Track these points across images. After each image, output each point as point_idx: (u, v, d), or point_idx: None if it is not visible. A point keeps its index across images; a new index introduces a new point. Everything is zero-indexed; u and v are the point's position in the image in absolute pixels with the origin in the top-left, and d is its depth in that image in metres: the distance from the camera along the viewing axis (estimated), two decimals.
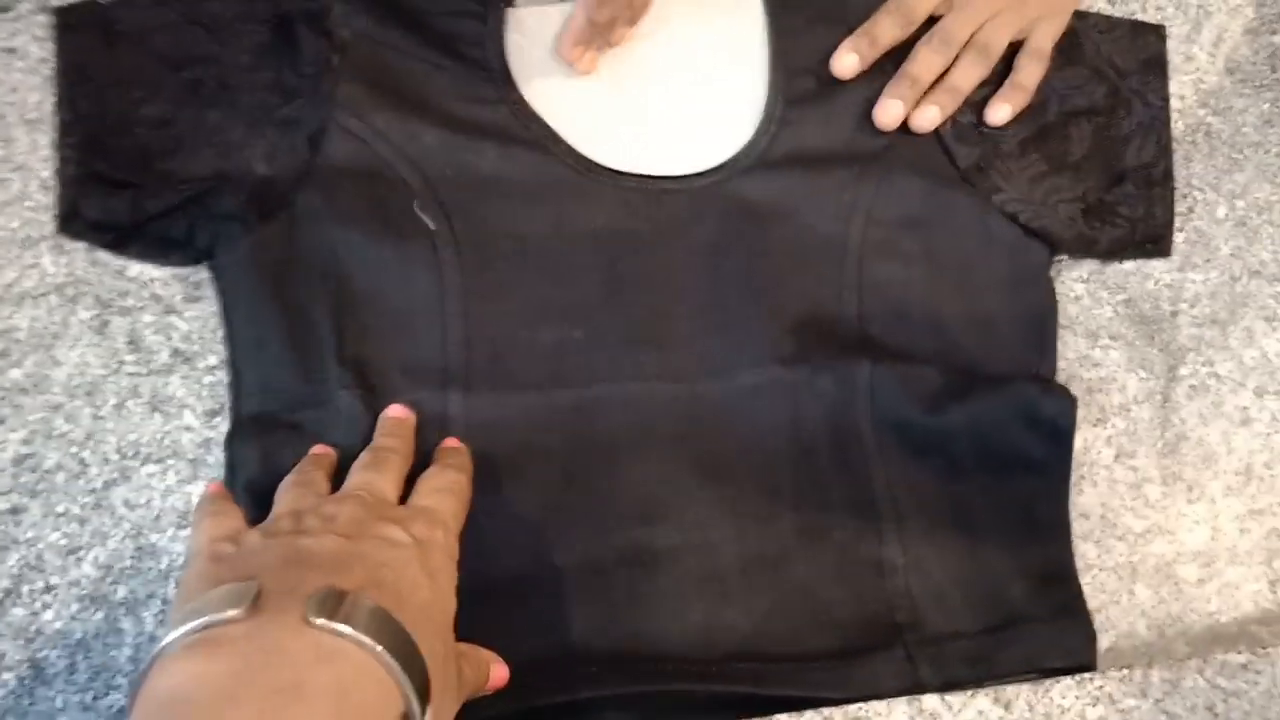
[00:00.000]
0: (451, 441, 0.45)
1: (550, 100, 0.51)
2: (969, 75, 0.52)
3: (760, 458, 0.46)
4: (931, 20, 0.53)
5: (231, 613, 0.30)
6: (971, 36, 0.52)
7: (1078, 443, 0.50)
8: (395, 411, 0.44)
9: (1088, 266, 0.53)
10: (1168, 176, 0.54)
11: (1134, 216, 0.52)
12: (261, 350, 0.46)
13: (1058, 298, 0.52)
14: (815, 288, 0.49)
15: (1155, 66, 0.56)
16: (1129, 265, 0.54)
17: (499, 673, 0.39)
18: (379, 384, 0.45)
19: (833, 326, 0.48)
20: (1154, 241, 0.53)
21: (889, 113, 0.51)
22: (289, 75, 0.48)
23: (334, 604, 0.31)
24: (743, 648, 0.43)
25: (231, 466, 0.44)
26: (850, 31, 0.52)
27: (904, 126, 0.52)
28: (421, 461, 0.44)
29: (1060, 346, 0.51)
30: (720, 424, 0.46)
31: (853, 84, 0.52)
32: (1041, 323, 0.50)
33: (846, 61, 0.51)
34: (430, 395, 0.45)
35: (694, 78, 0.53)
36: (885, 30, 0.51)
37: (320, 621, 0.31)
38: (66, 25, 0.49)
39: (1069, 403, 0.48)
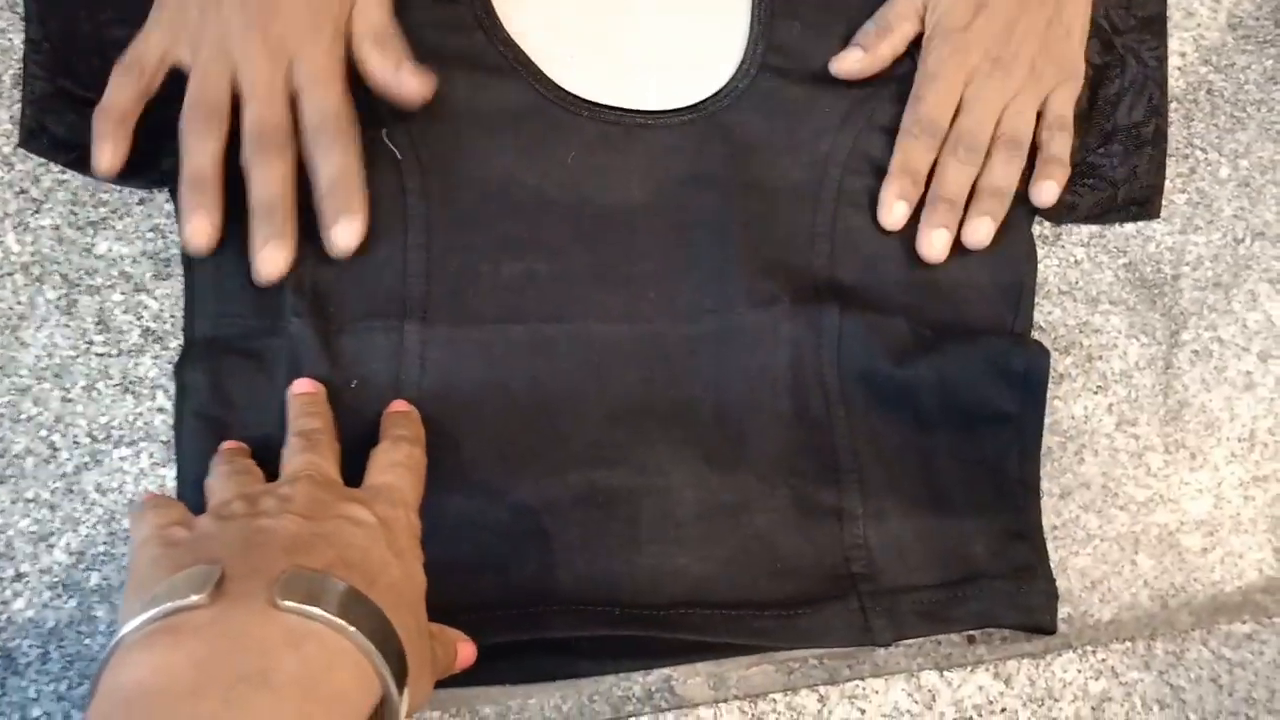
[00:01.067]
0: (399, 405, 0.43)
1: (529, 29, 0.49)
2: (1008, 174, 0.49)
3: (723, 402, 0.45)
4: None
5: (194, 598, 0.29)
6: (995, 130, 0.49)
7: (1078, 410, 0.49)
8: (303, 387, 0.42)
9: (1087, 230, 0.52)
10: (1159, 136, 0.52)
11: (1116, 178, 0.51)
12: (217, 273, 0.45)
13: (1057, 263, 0.51)
14: (788, 233, 0.48)
15: (1154, 25, 0.54)
16: (1129, 228, 0.52)
17: (466, 652, 0.38)
18: (335, 312, 0.44)
19: (803, 272, 0.47)
20: (1140, 204, 0.52)
21: (935, 245, 0.48)
22: None
23: (304, 585, 0.30)
24: (693, 593, 0.43)
25: (181, 392, 0.44)
26: None
27: (882, 79, 0.50)
28: (372, 400, 0.43)
29: (1060, 313, 0.50)
30: (684, 367, 0.46)
31: (837, 26, 0.51)
32: (1017, 280, 0.49)
33: (898, 211, 0.48)
34: (386, 325, 0.44)
35: (677, 13, 0.51)
36: (919, 157, 0.48)
37: (289, 604, 0.29)
38: None
39: (1042, 356, 0.47)
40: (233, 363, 0.44)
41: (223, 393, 0.43)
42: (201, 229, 0.42)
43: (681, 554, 0.43)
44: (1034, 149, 0.50)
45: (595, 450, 0.44)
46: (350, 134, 0.44)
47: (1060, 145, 0.49)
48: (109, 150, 0.43)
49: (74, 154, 0.46)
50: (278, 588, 0.30)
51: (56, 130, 0.46)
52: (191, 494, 0.42)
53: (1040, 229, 0.51)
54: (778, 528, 0.44)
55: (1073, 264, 0.51)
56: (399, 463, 0.39)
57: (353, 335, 0.44)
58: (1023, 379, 0.46)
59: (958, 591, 0.43)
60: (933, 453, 0.45)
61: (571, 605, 0.42)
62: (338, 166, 0.43)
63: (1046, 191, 0.49)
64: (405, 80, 0.45)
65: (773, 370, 0.46)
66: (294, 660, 0.28)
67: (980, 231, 0.48)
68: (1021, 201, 0.49)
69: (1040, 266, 0.50)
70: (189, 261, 0.45)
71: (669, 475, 0.44)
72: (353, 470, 0.41)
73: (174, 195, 0.46)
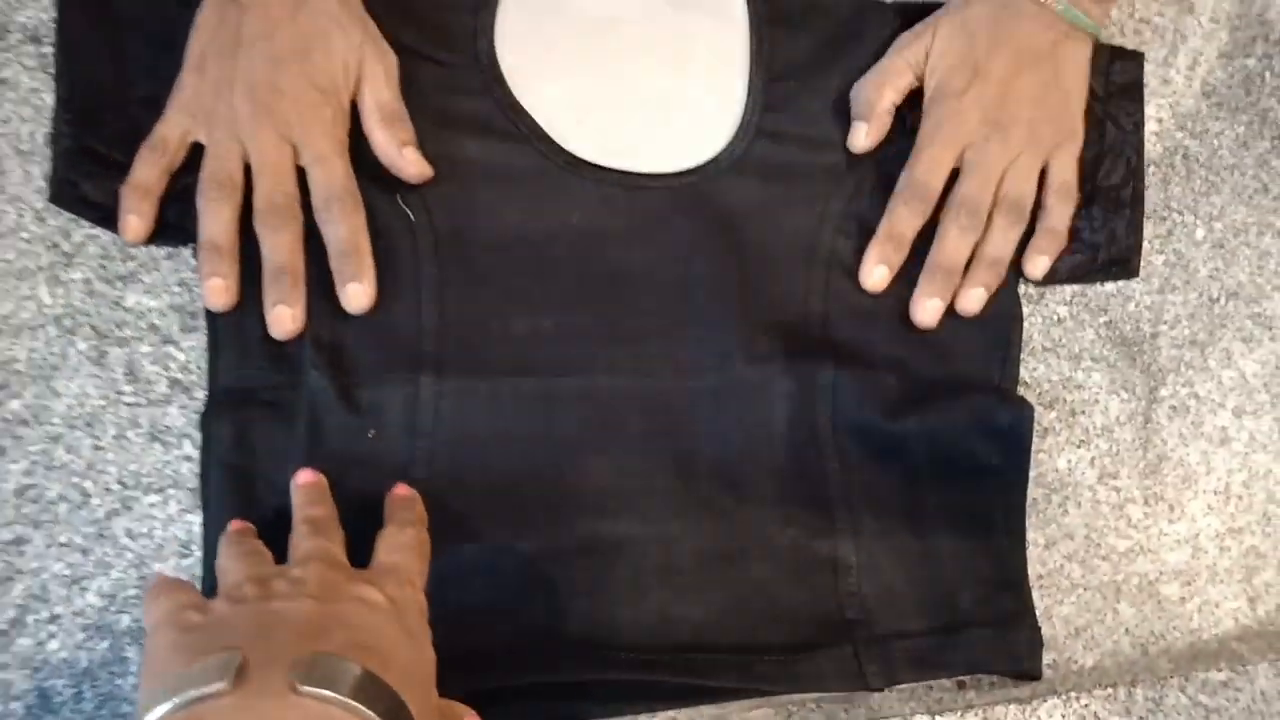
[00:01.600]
0: (402, 490, 0.44)
1: (536, 94, 0.52)
2: (1008, 241, 0.50)
3: (722, 455, 0.47)
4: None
5: (217, 686, 0.29)
6: (997, 193, 0.50)
7: (1062, 463, 0.51)
8: (306, 477, 0.43)
9: (1070, 290, 0.54)
10: (1137, 199, 0.55)
11: (1095, 241, 0.53)
12: (238, 329, 0.47)
13: (1041, 321, 0.53)
14: (783, 292, 0.50)
15: (1131, 91, 0.57)
16: (1110, 288, 0.55)
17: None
18: (353, 366, 0.46)
19: (798, 330, 0.50)
20: (1119, 264, 0.54)
21: (929, 313, 0.49)
22: None
23: (322, 670, 0.30)
24: (694, 639, 0.45)
25: (207, 442, 0.46)
26: (834, 39, 0.53)
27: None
28: (388, 450, 0.45)
29: (1044, 369, 0.53)
30: (685, 420, 0.48)
31: (831, 92, 0.53)
32: (1004, 337, 0.51)
33: (877, 275, 0.49)
34: (402, 378, 0.46)
35: (676, 78, 0.54)
36: (906, 222, 0.50)
37: (309, 689, 0.30)
38: (67, 2, 0.50)
39: (1026, 413, 0.49)
40: (255, 413, 0.46)
41: (247, 442, 0.45)
42: (218, 289, 0.46)
43: (683, 601, 0.45)
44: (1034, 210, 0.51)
45: (600, 500, 0.46)
46: (355, 206, 0.47)
47: (1059, 216, 0.51)
48: (135, 222, 0.47)
49: (101, 212, 0.48)
50: (297, 673, 0.30)
51: (85, 188, 0.48)
52: (214, 545, 0.43)
53: (1025, 288, 0.54)
54: (775, 576, 0.46)
55: (1056, 322, 0.54)
56: (405, 545, 0.40)
57: (370, 388, 0.46)
58: (1008, 434, 0.48)
59: (948, 639, 0.46)
60: (923, 504, 0.48)
61: (579, 649, 0.44)
62: (345, 237, 0.46)
63: (1039, 266, 0.51)
64: (407, 164, 0.48)
65: (770, 424, 0.48)
66: None
67: (974, 302, 0.50)
68: (1012, 264, 0.51)
69: (1025, 324, 0.53)
70: (211, 318, 0.48)
71: (670, 525, 0.46)
72: (372, 522, 0.43)
73: (197, 254, 0.48)
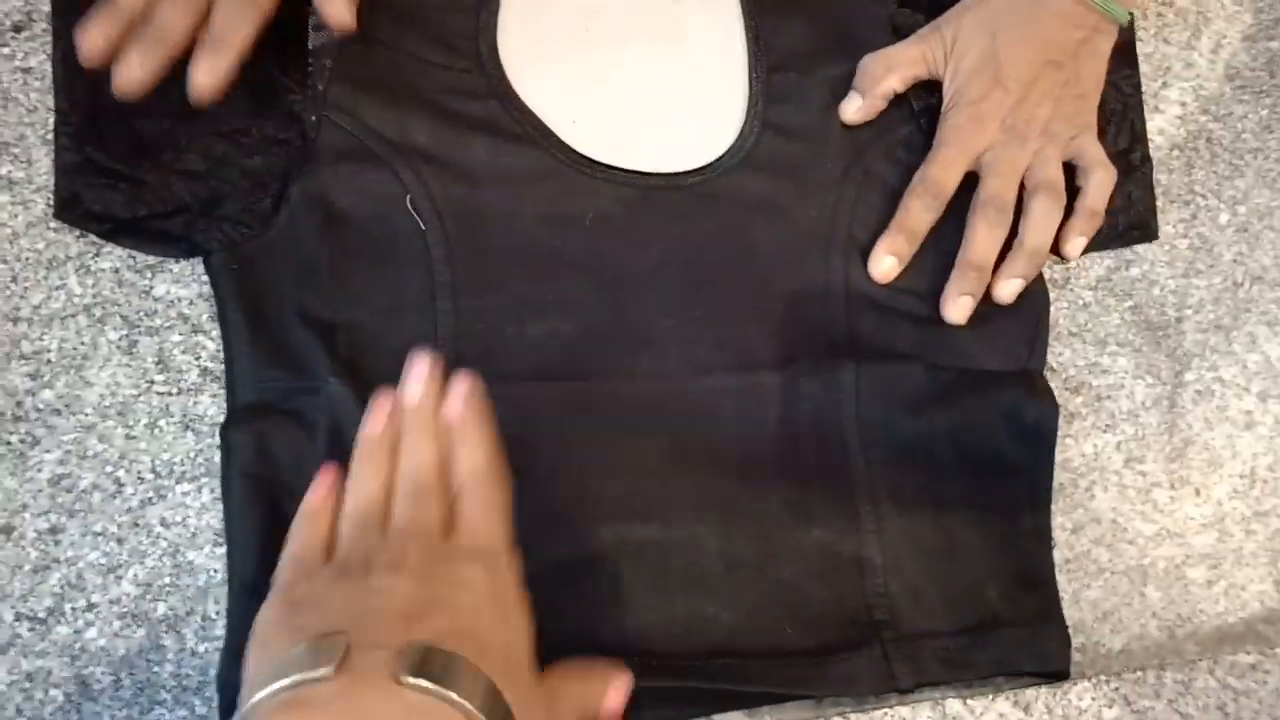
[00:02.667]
0: (455, 405, 0.41)
1: (541, 94, 0.52)
2: (1048, 227, 0.50)
3: (746, 456, 0.47)
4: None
5: (322, 671, 0.30)
6: (1028, 183, 0.50)
7: (1088, 448, 0.51)
8: (418, 373, 0.41)
9: (1095, 274, 0.55)
10: (1145, 160, 0.55)
11: (1115, 206, 0.53)
12: (255, 345, 0.47)
13: (1067, 306, 0.54)
14: (801, 287, 0.50)
15: (1126, 53, 0.56)
16: (1135, 272, 0.55)
17: (615, 697, 0.38)
18: (370, 375, 0.46)
19: (818, 326, 0.49)
20: (1140, 228, 0.54)
21: (961, 311, 0.49)
22: (281, 73, 0.49)
23: (423, 662, 0.31)
24: (723, 643, 0.45)
25: (226, 453, 0.45)
26: (828, 24, 0.53)
27: (886, 121, 0.52)
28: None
29: (1070, 354, 0.53)
30: (707, 422, 0.48)
31: (833, 79, 0.53)
32: (1032, 316, 0.51)
33: (885, 265, 0.50)
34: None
35: (678, 72, 0.53)
36: (918, 217, 0.50)
37: (412, 681, 0.30)
38: (63, 13, 0.50)
39: (1052, 409, 0.49)
40: (276, 422, 0.45)
41: (267, 453, 0.45)
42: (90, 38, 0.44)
43: (712, 604, 0.45)
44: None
45: (623, 505, 0.46)
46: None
47: (1098, 195, 0.51)
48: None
49: (107, 225, 0.48)
50: (401, 664, 0.31)
51: (88, 204, 0.48)
52: (240, 554, 0.44)
53: (1049, 272, 0.54)
54: (802, 577, 0.46)
55: (1081, 307, 0.54)
56: (488, 505, 0.40)
57: (390, 396, 0.46)
58: (1033, 431, 0.48)
59: (976, 638, 0.45)
60: (948, 503, 0.48)
61: (605, 656, 0.44)
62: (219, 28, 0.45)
63: (1076, 247, 0.51)
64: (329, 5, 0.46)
65: (793, 426, 0.48)
66: None
67: (1010, 291, 0.50)
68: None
69: (1052, 308, 0.53)
70: (226, 330, 0.47)
71: (695, 528, 0.46)
72: None
73: (208, 267, 0.48)
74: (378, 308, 0.47)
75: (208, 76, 0.45)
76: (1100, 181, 0.51)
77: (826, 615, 0.45)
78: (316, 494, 0.40)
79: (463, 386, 0.41)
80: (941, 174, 0.50)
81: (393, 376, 0.45)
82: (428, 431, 0.40)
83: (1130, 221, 0.54)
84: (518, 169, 0.50)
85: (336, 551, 0.37)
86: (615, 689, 0.38)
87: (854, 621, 0.45)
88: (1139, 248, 0.55)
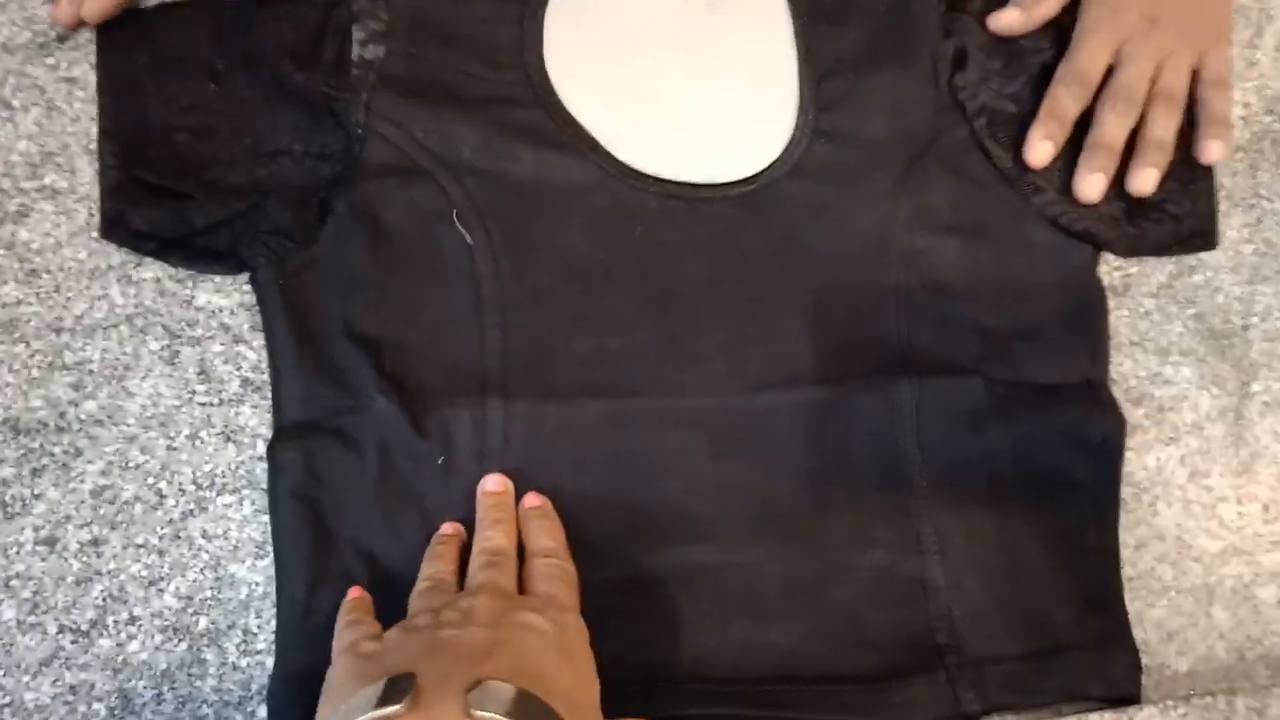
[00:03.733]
0: (532, 500, 0.45)
1: (587, 105, 0.51)
2: (1169, 127, 0.51)
3: (801, 476, 0.46)
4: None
5: (394, 709, 0.31)
6: (1152, 86, 0.51)
7: (1150, 462, 0.50)
8: (493, 484, 0.44)
9: (1156, 281, 0.53)
10: (1208, 169, 0.53)
11: (1180, 212, 0.52)
12: (301, 362, 0.46)
13: (1128, 314, 0.52)
14: (858, 300, 0.49)
15: None
16: (1198, 278, 0.53)
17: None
18: (417, 391, 0.45)
19: (875, 340, 0.48)
20: (1200, 235, 0.52)
21: (1094, 188, 0.50)
22: (327, 87, 0.49)
23: (493, 695, 0.31)
24: (781, 668, 0.44)
25: (274, 473, 0.45)
26: (879, 29, 0.52)
27: (940, 125, 0.51)
28: (458, 475, 0.45)
29: (1130, 364, 0.51)
30: (759, 441, 0.46)
31: (885, 84, 0.51)
32: (1091, 326, 0.50)
33: (1043, 150, 0.50)
34: (469, 402, 0.46)
35: (726, 80, 0.52)
36: (1068, 104, 0.50)
37: (483, 715, 0.31)
38: (106, 32, 0.50)
39: (1118, 425, 0.47)
40: (323, 442, 0.45)
41: (315, 472, 0.45)
42: None
43: (770, 628, 0.44)
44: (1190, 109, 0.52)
45: (677, 527, 0.45)
46: None
47: (1223, 104, 0.51)
48: None
49: (154, 244, 0.48)
50: (472, 696, 0.31)
51: (134, 223, 0.48)
52: (288, 574, 0.44)
53: (1108, 279, 0.52)
54: (861, 600, 0.45)
55: (1142, 315, 0.52)
56: (554, 575, 0.41)
57: (437, 412, 0.45)
58: (1099, 448, 0.47)
59: (1043, 663, 0.44)
60: (1012, 522, 0.46)
61: (665, 683, 0.43)
62: None
63: (1214, 150, 0.51)
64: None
65: (851, 444, 0.47)
66: None
67: (1148, 181, 0.50)
68: (1088, 241, 0.50)
69: (1111, 318, 0.51)
70: (272, 348, 0.47)
71: (750, 550, 0.45)
72: None
73: (254, 284, 0.48)
74: (424, 323, 0.47)
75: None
76: (1221, 98, 0.51)
77: (887, 639, 0.44)
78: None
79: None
80: (1086, 65, 0.51)
81: (439, 393, 0.45)
82: (506, 516, 0.43)
83: (1192, 228, 0.52)
84: (564, 180, 0.49)
85: (407, 617, 0.38)
86: None
87: (916, 645, 0.44)
88: (1202, 254, 0.53)
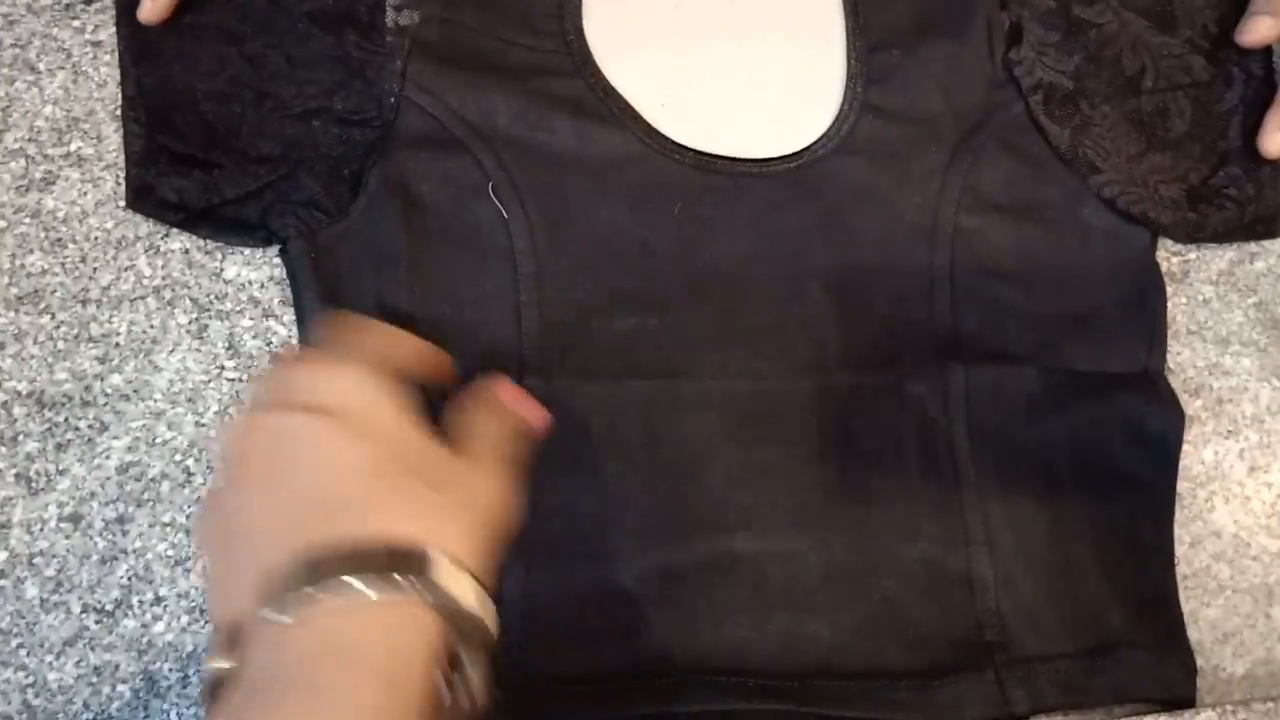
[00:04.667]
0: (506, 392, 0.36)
1: (628, 75, 0.49)
2: None
3: (846, 463, 0.45)
4: None
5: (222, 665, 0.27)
6: None
7: (1208, 455, 0.48)
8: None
9: (1216, 268, 0.51)
10: None
11: (1243, 198, 0.50)
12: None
13: (1186, 301, 0.50)
14: (905, 282, 0.47)
15: None
16: (1259, 265, 0.51)
17: (499, 388, 0.34)
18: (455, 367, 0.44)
19: (924, 324, 0.47)
20: (1265, 222, 0.50)
21: (1278, 144, 0.48)
22: (360, 50, 0.47)
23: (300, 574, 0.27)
24: (824, 662, 0.42)
25: None
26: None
27: (994, 102, 0.49)
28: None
29: (1189, 354, 0.49)
30: (803, 426, 0.45)
31: (937, 57, 0.49)
32: (1149, 313, 0.48)
33: (1277, 142, 0.48)
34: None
35: (771, 52, 0.51)
36: None
37: (310, 595, 0.26)
38: (126, 4, 0.48)
39: (1177, 417, 0.46)
40: None
41: None
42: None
43: (812, 620, 0.43)
44: None
45: (717, 514, 0.44)
46: None
47: None
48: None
49: (182, 214, 0.46)
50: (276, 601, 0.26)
51: (162, 193, 0.46)
52: None
53: (1166, 265, 0.50)
54: (907, 593, 0.43)
55: (1201, 303, 0.50)
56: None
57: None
58: (1157, 441, 0.45)
59: (1095, 662, 0.42)
60: (1064, 516, 0.45)
61: (703, 676, 0.41)
62: None
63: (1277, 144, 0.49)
64: None
65: (898, 431, 0.45)
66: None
67: None
68: (1145, 224, 0.48)
69: (1169, 305, 0.49)
70: (302, 325, 0.45)
71: (793, 539, 0.43)
72: None
73: (285, 257, 0.46)
74: (459, 300, 0.45)
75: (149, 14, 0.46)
76: None
77: (934, 635, 0.43)
78: None
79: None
80: None
81: (474, 370, 0.43)
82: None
83: (1255, 216, 0.50)
84: (604, 152, 0.47)
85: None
86: (498, 386, 0.34)
87: (964, 642, 0.43)
88: (1264, 240, 0.51)
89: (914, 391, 0.45)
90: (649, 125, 0.48)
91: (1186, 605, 0.45)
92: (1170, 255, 0.50)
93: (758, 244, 0.47)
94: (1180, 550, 0.46)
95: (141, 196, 0.47)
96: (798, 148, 0.49)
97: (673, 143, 0.48)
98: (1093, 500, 0.45)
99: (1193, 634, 0.45)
